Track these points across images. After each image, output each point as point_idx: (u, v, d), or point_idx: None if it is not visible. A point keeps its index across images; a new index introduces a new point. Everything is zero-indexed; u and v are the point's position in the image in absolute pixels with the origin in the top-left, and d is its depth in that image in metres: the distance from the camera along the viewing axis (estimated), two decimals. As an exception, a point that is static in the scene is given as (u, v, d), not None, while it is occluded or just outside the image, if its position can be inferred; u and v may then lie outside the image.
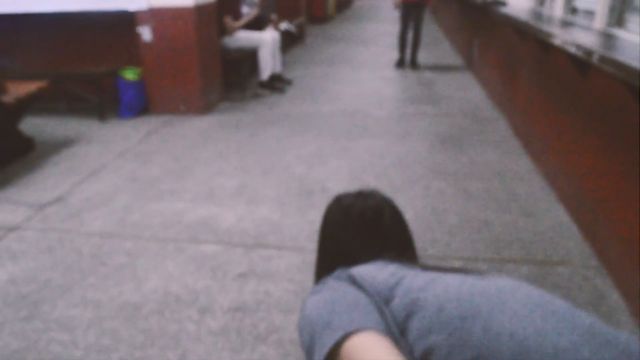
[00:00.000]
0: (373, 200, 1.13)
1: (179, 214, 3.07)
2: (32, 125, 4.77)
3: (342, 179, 3.48)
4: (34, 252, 2.69)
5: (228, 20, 5.67)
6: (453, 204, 3.12)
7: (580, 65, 2.73)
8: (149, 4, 4.86)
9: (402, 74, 7.04)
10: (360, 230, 1.08)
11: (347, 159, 3.81)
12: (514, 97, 4.56)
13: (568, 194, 3.03)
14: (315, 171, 3.64)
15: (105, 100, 5.15)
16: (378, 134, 4.47)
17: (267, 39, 5.79)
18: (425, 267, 0.90)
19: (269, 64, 5.83)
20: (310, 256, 2.54)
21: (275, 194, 3.31)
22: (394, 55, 8.16)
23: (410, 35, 7.34)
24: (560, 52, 2.90)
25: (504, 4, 5.25)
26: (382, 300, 0.82)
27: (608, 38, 2.68)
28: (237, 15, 5.85)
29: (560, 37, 2.70)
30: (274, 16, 6.52)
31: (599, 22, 2.99)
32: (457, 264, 2.51)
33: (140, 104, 5.18)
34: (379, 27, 12.52)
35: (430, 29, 11.37)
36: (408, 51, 7.47)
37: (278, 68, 6.13)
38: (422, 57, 7.84)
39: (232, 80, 6.14)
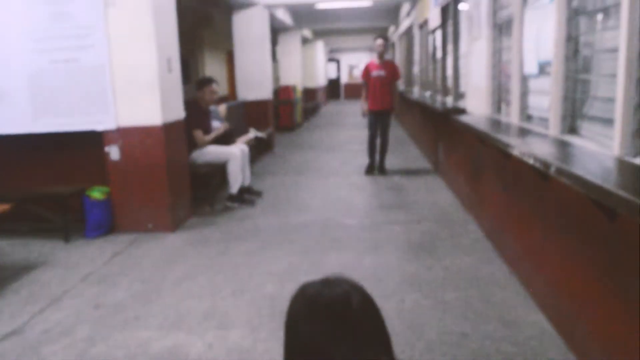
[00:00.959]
0: (340, 287, 1.03)
1: (144, 344, 2.94)
2: (-8, 251, 4.65)
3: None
4: (-16, 396, 2.52)
5: (199, 134, 5.82)
6: (430, 317, 3.09)
7: (540, 172, 2.85)
8: (117, 123, 4.98)
9: (371, 180, 7.22)
10: (328, 324, 0.96)
11: (318, 275, 3.76)
12: (482, 200, 4.69)
13: (546, 299, 3.03)
14: (287, 290, 3.58)
15: (70, 220, 5.10)
16: (349, 246, 4.48)
17: (236, 153, 5.93)
18: None
19: (238, 177, 5.93)
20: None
21: (247, 316, 3.23)
22: (362, 161, 8.40)
23: (378, 142, 7.57)
24: (520, 159, 3.04)
25: (463, 111, 5.55)
26: None
27: (563, 146, 2.82)
28: (206, 130, 6.02)
29: (519, 148, 2.83)
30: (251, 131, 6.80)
31: (553, 129, 3.17)
32: (438, 384, 2.43)
33: (107, 223, 5.14)
34: (346, 133, 12.98)
35: (396, 133, 11.83)
36: (377, 157, 7.65)
37: (247, 180, 6.23)
38: (390, 161, 8.09)
39: (201, 194, 6.18)
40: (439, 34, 7.63)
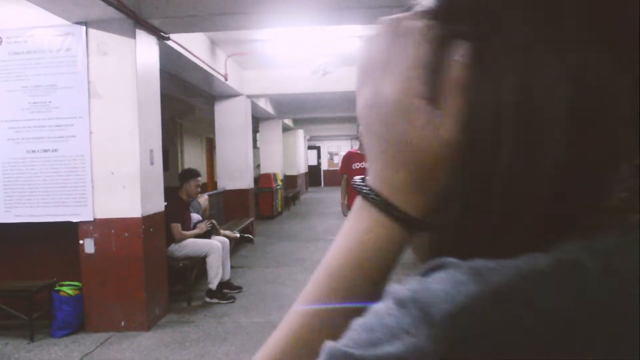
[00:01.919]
0: None
1: None
2: (-52, 354, 4.39)
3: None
4: None
5: (177, 229, 5.74)
6: None
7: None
8: (94, 215, 4.91)
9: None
10: None
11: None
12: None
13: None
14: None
15: (36, 317, 4.88)
16: (337, 346, 4.33)
17: (216, 246, 5.85)
18: None
19: (218, 271, 5.81)
20: None
21: None
22: (346, 253, 8.33)
23: None
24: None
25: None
26: None
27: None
28: (185, 221, 5.95)
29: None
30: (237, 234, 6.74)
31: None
32: None
33: (77, 321, 4.93)
34: (329, 222, 12.98)
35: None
36: None
37: (227, 275, 6.10)
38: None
39: (178, 289, 6.02)
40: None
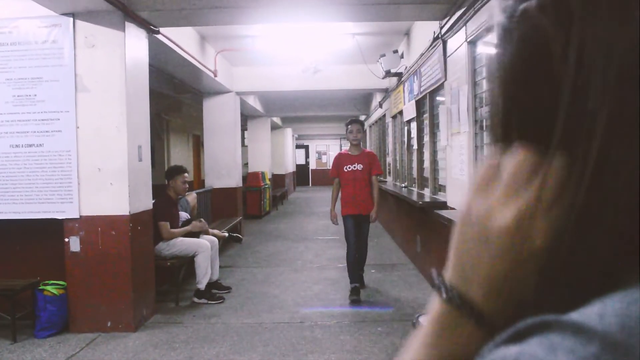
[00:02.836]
0: None
1: None
2: None
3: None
4: None
5: (165, 227, 5.66)
6: None
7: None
8: (80, 212, 4.83)
9: (346, 275, 7.08)
10: None
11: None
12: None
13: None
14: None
15: (19, 317, 4.78)
16: (329, 349, 4.31)
17: (205, 245, 5.78)
18: None
19: (207, 271, 5.74)
20: None
21: None
22: (336, 253, 8.31)
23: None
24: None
25: (444, 205, 5.60)
26: None
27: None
28: (173, 219, 5.88)
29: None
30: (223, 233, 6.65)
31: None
32: None
33: (61, 322, 4.84)
34: (317, 222, 12.95)
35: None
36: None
37: (216, 275, 6.04)
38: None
39: (165, 288, 5.95)
40: (414, 126, 7.84)
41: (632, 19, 0.34)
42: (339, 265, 7.50)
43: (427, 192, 7.09)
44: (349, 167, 5.98)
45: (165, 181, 6.04)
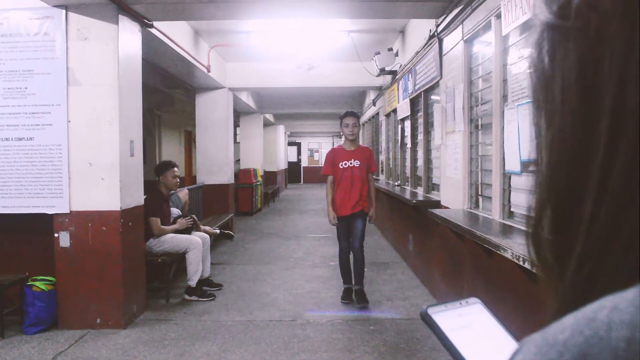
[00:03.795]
0: None
1: None
2: None
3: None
4: None
5: (156, 223, 5.62)
6: None
7: (531, 273, 2.82)
8: (70, 207, 4.78)
9: (338, 273, 7.06)
10: None
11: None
12: (460, 294, 4.62)
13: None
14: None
15: (7, 313, 4.73)
16: (321, 348, 4.29)
17: (196, 242, 5.75)
18: None
19: (198, 268, 5.71)
20: None
21: None
22: (327, 250, 8.30)
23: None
24: (506, 258, 3.02)
25: (438, 204, 5.60)
26: None
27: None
28: (164, 216, 5.84)
29: (511, 249, 2.81)
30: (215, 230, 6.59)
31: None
32: None
33: (50, 318, 4.79)
34: (309, 219, 12.94)
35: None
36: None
37: (207, 272, 6.01)
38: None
39: (156, 285, 5.91)
40: (408, 124, 7.84)
41: None
42: (330, 263, 7.49)
43: (420, 191, 7.08)
44: (345, 164, 5.52)
45: (156, 177, 5.99)
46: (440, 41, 5.50)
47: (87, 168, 4.77)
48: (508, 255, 2.85)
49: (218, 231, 6.88)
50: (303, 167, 31.17)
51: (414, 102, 7.34)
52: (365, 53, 8.55)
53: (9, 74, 4.75)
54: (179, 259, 5.84)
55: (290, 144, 29.72)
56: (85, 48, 4.75)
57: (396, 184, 8.95)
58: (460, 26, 4.77)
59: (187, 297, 5.69)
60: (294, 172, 29.82)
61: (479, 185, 4.63)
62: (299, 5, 5.14)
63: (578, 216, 0.35)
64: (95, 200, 4.78)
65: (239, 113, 15.06)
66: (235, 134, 14.17)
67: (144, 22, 5.22)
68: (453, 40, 5.06)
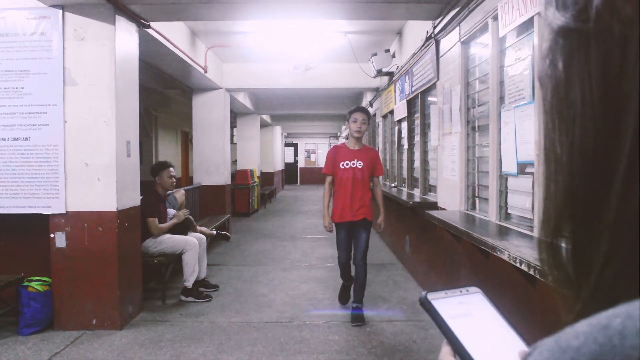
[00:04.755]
0: None
1: None
2: None
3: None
4: None
5: (153, 223, 5.60)
6: None
7: (527, 274, 2.83)
8: (66, 208, 4.76)
9: (334, 273, 7.06)
10: None
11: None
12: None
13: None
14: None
15: (3, 314, 4.71)
16: (318, 349, 4.29)
17: (193, 243, 5.74)
18: None
19: (194, 269, 5.70)
20: None
21: None
22: (324, 252, 8.30)
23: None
24: (503, 260, 3.02)
25: (435, 205, 5.60)
26: None
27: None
28: (161, 216, 5.82)
29: (508, 251, 2.81)
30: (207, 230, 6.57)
31: (538, 231, 3.19)
32: None
33: (46, 319, 4.77)
34: (305, 221, 12.93)
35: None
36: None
37: (203, 273, 6.00)
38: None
39: (152, 286, 5.89)
40: (405, 125, 7.83)
41: None
42: (327, 264, 7.49)
43: (417, 192, 7.08)
44: (347, 164, 5.04)
45: (152, 178, 5.98)
46: (437, 43, 5.51)
47: (84, 168, 4.75)
48: (505, 257, 2.85)
49: (214, 232, 6.86)
50: (300, 168, 31.17)
51: (411, 104, 7.35)
52: (362, 54, 8.56)
53: (5, 74, 4.74)
54: (175, 259, 5.83)
55: (287, 145, 29.73)
56: (82, 48, 4.74)
57: (393, 185, 8.95)
58: (457, 28, 4.77)
59: (183, 298, 5.68)
60: (290, 173, 29.81)
61: (476, 186, 4.63)
62: (296, 6, 5.13)
63: (600, 225, 0.35)
64: (91, 201, 4.76)
65: (236, 114, 15.04)
66: (232, 135, 14.11)
67: (140, 23, 5.21)
68: (450, 42, 5.07)
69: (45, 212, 4.77)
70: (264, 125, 18.90)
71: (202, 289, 5.87)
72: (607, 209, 0.34)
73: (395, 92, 8.35)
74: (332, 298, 5.80)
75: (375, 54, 7.97)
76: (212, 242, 8.22)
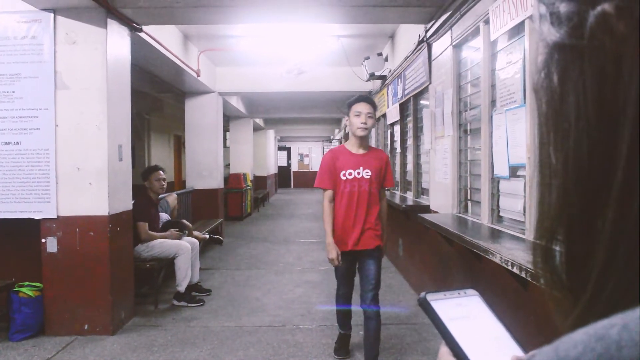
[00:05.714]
0: None
1: None
2: None
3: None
4: None
5: (144, 228, 5.58)
6: None
7: (519, 277, 2.83)
8: (57, 212, 4.73)
9: (328, 277, 7.04)
10: None
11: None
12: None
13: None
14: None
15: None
16: (311, 354, 4.28)
17: (185, 247, 5.72)
18: None
19: (187, 273, 5.68)
20: None
21: None
22: (317, 256, 8.29)
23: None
24: (495, 263, 3.03)
25: (427, 209, 5.61)
26: None
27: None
28: (153, 220, 5.80)
29: (500, 254, 2.82)
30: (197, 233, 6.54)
31: (530, 234, 3.20)
32: None
33: (37, 324, 4.74)
34: (299, 225, 12.92)
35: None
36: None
37: (196, 277, 5.97)
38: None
39: (144, 291, 5.87)
40: (397, 128, 7.85)
41: None
42: (320, 268, 7.48)
43: (409, 196, 7.10)
44: (349, 174, 3.79)
45: (144, 182, 5.96)
46: (430, 46, 5.53)
47: (75, 173, 4.73)
48: (497, 259, 2.85)
49: (207, 236, 6.84)
50: (293, 171, 31.17)
51: (403, 107, 7.36)
52: (355, 58, 8.57)
53: (-4, 78, 4.71)
54: (167, 264, 5.80)
55: (280, 148, 29.71)
56: (74, 52, 4.72)
57: (386, 188, 8.94)
58: (449, 31, 4.79)
59: (176, 302, 5.65)
60: (284, 176, 29.80)
61: (468, 189, 4.64)
62: (288, 10, 5.14)
63: (596, 234, 0.35)
64: (83, 205, 4.74)
65: (229, 117, 15.02)
66: (225, 139, 14.11)
67: (132, 26, 5.20)
68: (442, 46, 5.09)
69: (37, 216, 4.74)
70: (257, 128, 18.88)
71: (195, 294, 5.85)
72: (603, 219, 0.35)
73: (387, 95, 8.37)
74: (325, 301, 5.79)
75: (368, 58, 7.99)
76: (205, 246, 8.20)
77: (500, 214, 3.88)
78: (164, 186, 6.06)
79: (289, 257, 8.50)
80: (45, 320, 4.78)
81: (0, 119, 4.72)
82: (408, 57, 6.47)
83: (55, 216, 4.74)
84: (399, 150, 7.83)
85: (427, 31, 5.46)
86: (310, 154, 31.07)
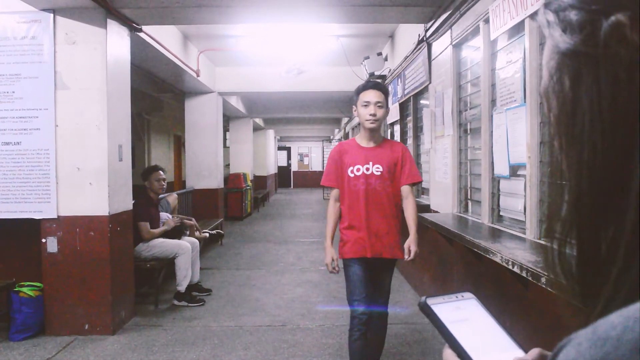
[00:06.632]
0: None
1: None
2: None
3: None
4: None
5: (145, 227, 5.58)
6: None
7: (520, 277, 2.83)
8: (58, 212, 4.73)
9: (328, 276, 7.05)
10: None
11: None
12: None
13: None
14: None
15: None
16: (311, 353, 4.28)
17: (186, 247, 5.72)
18: None
19: (187, 273, 5.68)
20: None
21: None
22: (317, 256, 8.28)
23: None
24: (496, 262, 3.03)
25: (428, 208, 5.61)
26: None
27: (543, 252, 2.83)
28: (153, 220, 5.80)
29: (500, 253, 2.82)
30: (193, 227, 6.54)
31: (530, 233, 3.20)
32: None
33: (37, 324, 4.74)
34: (299, 224, 12.92)
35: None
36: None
37: (196, 277, 5.97)
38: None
39: (144, 291, 5.86)
40: (397, 128, 7.85)
41: None
42: (320, 268, 7.47)
43: (410, 195, 7.08)
44: (357, 169, 3.38)
45: (144, 182, 5.96)
46: (429, 46, 5.53)
47: (75, 173, 4.73)
48: (497, 259, 2.85)
49: (207, 235, 6.84)
50: (293, 171, 31.17)
51: (403, 107, 7.36)
52: (355, 58, 8.57)
53: (-4, 78, 4.71)
54: (168, 264, 5.80)
55: (280, 148, 29.71)
56: (73, 52, 4.72)
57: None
58: (449, 31, 4.79)
59: (176, 302, 5.65)
60: (283, 176, 29.80)
61: (468, 189, 4.64)
62: (288, 10, 5.13)
63: (612, 238, 0.37)
64: (83, 205, 4.74)
65: (229, 117, 15.03)
66: (224, 139, 14.10)
67: (132, 26, 5.20)
68: (442, 45, 5.09)
69: (37, 216, 4.74)
70: (256, 128, 18.89)
71: (195, 293, 5.85)
72: (619, 222, 0.36)
73: (387, 95, 8.35)
74: (325, 301, 5.79)
75: (368, 57, 7.98)
76: (205, 245, 8.21)
77: (501, 214, 3.88)
78: (164, 186, 6.06)
79: (289, 257, 8.50)
80: (45, 320, 4.78)
81: (0, 119, 4.71)
82: (408, 56, 6.47)
83: (55, 216, 4.74)
84: (398, 149, 7.81)
85: (426, 31, 5.46)
86: (310, 154, 31.07)
